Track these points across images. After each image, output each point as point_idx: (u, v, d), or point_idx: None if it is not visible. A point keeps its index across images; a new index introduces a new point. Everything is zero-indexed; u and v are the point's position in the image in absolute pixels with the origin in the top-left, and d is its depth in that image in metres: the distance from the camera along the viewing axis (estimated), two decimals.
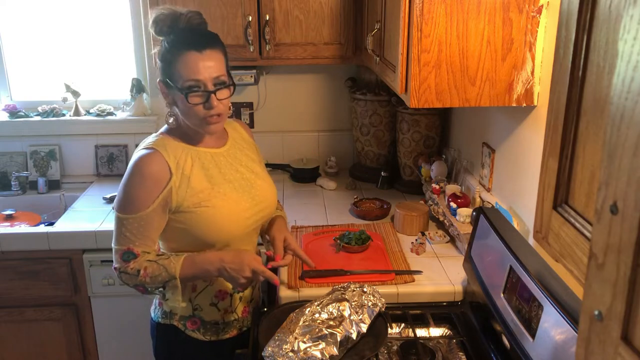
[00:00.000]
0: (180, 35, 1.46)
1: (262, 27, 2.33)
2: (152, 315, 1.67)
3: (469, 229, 1.81)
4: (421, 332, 1.61)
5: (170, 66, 1.44)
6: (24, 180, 2.75)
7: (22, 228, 2.43)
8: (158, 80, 1.51)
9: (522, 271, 1.26)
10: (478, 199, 1.94)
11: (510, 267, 1.32)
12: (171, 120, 1.53)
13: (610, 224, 0.50)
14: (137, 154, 1.50)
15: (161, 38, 1.48)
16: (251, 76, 2.47)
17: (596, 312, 0.53)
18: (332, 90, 2.82)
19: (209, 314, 1.60)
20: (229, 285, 1.59)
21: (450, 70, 1.50)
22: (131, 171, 1.47)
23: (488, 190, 1.94)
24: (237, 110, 2.78)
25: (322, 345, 1.29)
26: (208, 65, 1.43)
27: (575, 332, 1.00)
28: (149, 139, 1.54)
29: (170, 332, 1.61)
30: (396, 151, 2.59)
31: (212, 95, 1.44)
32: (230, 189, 1.55)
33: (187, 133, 1.54)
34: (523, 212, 1.66)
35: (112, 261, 1.51)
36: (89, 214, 2.40)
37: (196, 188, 1.49)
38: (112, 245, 1.50)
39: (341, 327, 1.33)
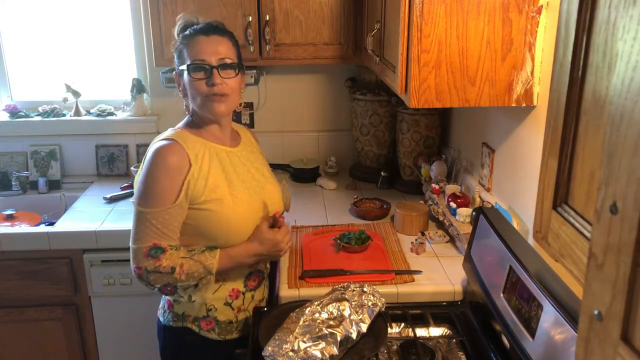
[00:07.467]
0: (194, 29, 1.53)
1: (262, 27, 2.33)
2: (161, 319, 1.63)
3: (468, 229, 1.81)
4: (421, 332, 1.61)
5: (182, 54, 1.51)
6: (24, 180, 2.75)
7: (22, 228, 2.43)
8: (174, 72, 1.57)
9: (521, 271, 1.26)
10: (478, 199, 1.94)
11: (510, 267, 1.32)
12: (185, 109, 1.58)
13: (610, 224, 0.50)
14: (155, 145, 1.47)
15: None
16: (251, 76, 2.48)
17: (596, 312, 0.53)
18: (332, 90, 2.82)
19: (223, 313, 1.59)
20: (241, 284, 1.61)
21: (450, 71, 1.50)
22: (152, 162, 1.44)
23: (488, 190, 1.94)
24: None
25: (322, 344, 1.29)
26: (213, 47, 1.49)
27: (575, 331, 1.00)
28: (166, 132, 1.53)
29: (182, 335, 1.58)
30: (396, 151, 2.59)
31: (215, 70, 1.47)
32: (244, 188, 1.55)
33: (203, 128, 1.55)
34: (523, 212, 1.66)
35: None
36: (90, 214, 2.40)
37: (213, 184, 1.48)
38: (131, 244, 1.44)
39: (341, 326, 1.33)
